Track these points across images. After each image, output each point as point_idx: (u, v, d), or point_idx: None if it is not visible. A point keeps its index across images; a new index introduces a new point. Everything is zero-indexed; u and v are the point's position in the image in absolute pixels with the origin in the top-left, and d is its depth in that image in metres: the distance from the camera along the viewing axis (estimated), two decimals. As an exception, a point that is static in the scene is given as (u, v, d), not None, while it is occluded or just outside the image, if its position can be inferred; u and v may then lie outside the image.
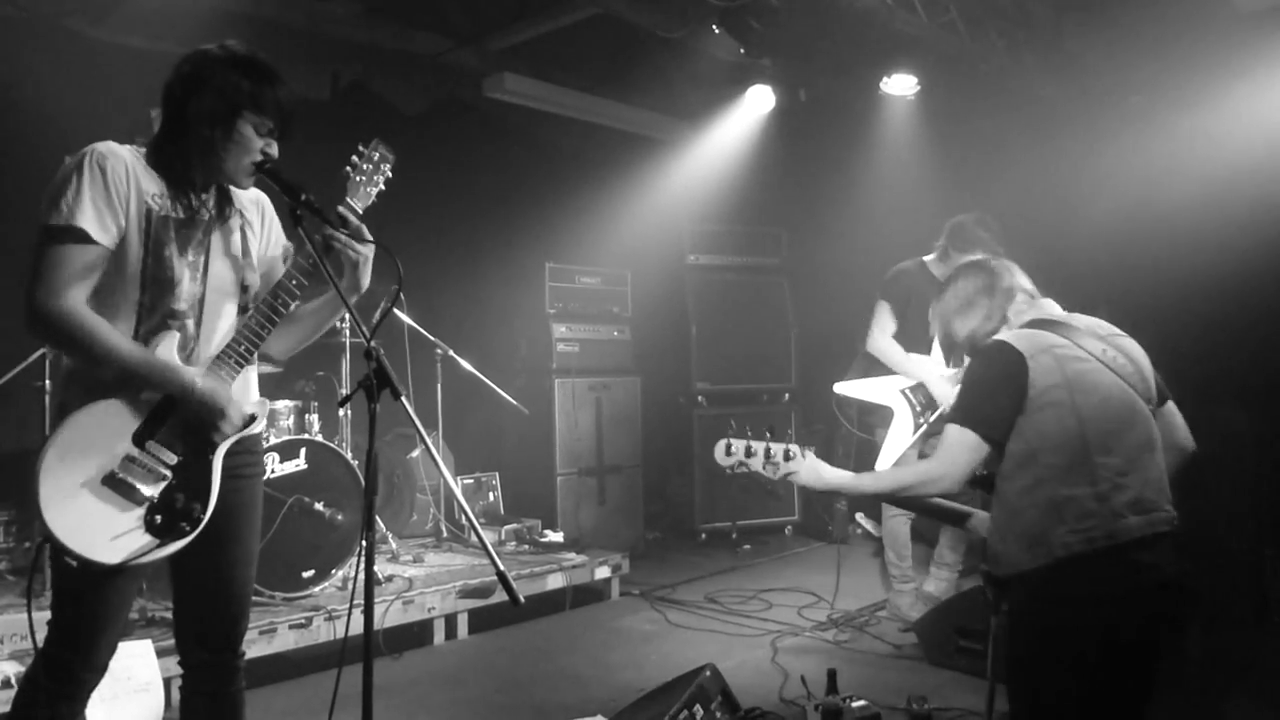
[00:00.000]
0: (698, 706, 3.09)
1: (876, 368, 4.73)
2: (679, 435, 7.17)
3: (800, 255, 7.57)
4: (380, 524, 5.24)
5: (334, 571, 4.38)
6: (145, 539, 2.14)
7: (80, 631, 2.22)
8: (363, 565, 1.96)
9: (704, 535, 6.95)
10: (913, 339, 4.63)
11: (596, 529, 6.34)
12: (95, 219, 2.11)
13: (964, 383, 2.47)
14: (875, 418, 4.78)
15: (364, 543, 1.96)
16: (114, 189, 2.13)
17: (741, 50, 5.65)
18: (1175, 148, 5.47)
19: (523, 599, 1.97)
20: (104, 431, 2.15)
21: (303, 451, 4.33)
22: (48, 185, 2.14)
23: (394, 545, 5.21)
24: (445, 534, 5.67)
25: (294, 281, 2.30)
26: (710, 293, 7.31)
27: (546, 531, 5.82)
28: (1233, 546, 4.74)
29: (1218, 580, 4.56)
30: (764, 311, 7.42)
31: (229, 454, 2.29)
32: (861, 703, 3.44)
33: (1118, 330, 2.52)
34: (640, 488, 6.78)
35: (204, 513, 2.22)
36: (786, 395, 7.36)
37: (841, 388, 4.76)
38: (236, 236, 2.37)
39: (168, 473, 2.19)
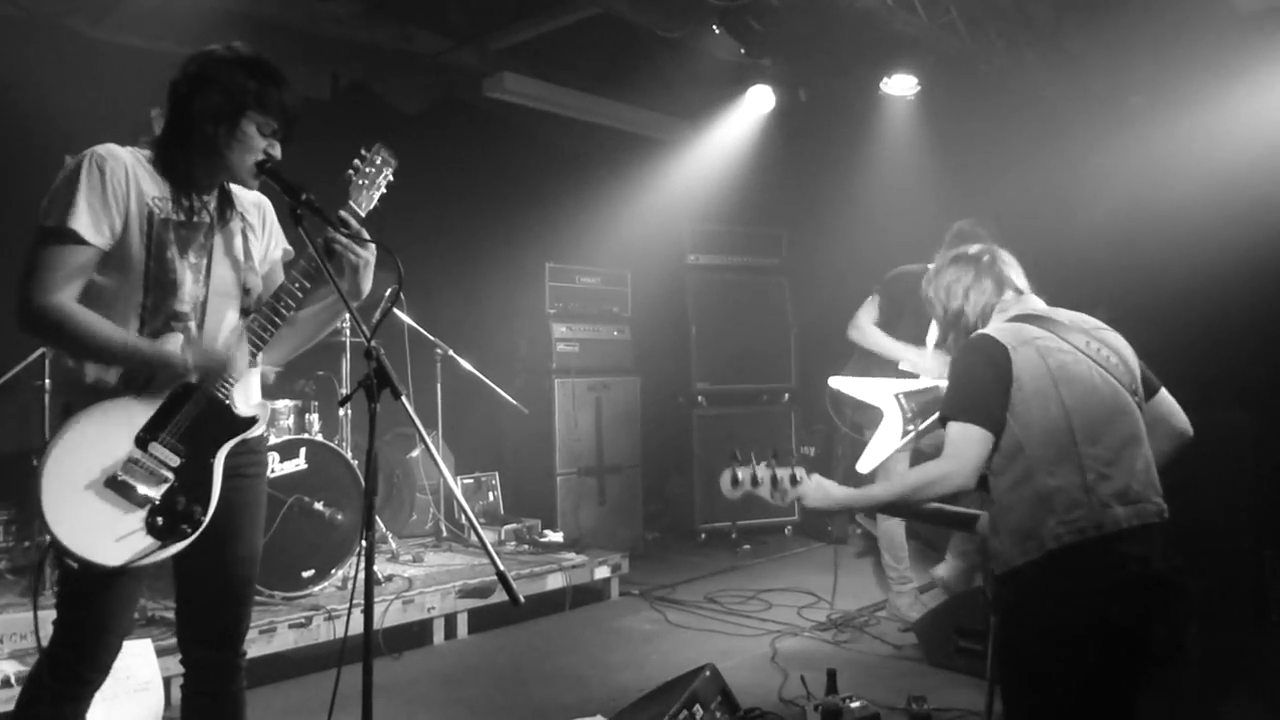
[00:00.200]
0: (697, 706, 3.09)
1: (874, 367, 4.73)
2: (679, 435, 7.18)
3: (800, 255, 7.57)
4: (380, 524, 5.24)
5: (334, 571, 4.38)
6: (147, 541, 2.15)
7: (84, 632, 2.23)
8: (362, 565, 1.97)
9: (703, 535, 6.95)
10: (909, 339, 4.64)
11: (596, 529, 6.34)
12: (90, 222, 2.12)
13: (951, 379, 2.48)
14: (865, 417, 4.78)
15: (364, 542, 1.97)
16: (111, 192, 2.15)
17: (742, 50, 5.65)
18: (1175, 148, 5.47)
19: (522, 599, 1.97)
20: (106, 434, 2.15)
21: (303, 451, 4.33)
22: (50, 186, 2.16)
23: (394, 545, 5.21)
24: (445, 534, 5.67)
25: (296, 284, 2.31)
26: (710, 293, 7.31)
27: (546, 531, 5.82)
28: (1233, 546, 4.74)
29: (1218, 580, 4.55)
30: (764, 311, 7.43)
31: (231, 454, 2.30)
32: (861, 703, 3.45)
33: (1102, 324, 2.53)
34: (640, 488, 6.79)
35: (205, 515, 2.23)
36: (786, 395, 7.36)
37: (836, 382, 4.78)
38: (238, 239, 2.38)
39: (170, 475, 2.19)
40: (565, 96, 6.69)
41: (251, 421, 2.32)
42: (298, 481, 4.27)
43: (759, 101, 6.80)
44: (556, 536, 5.80)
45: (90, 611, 2.22)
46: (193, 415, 2.22)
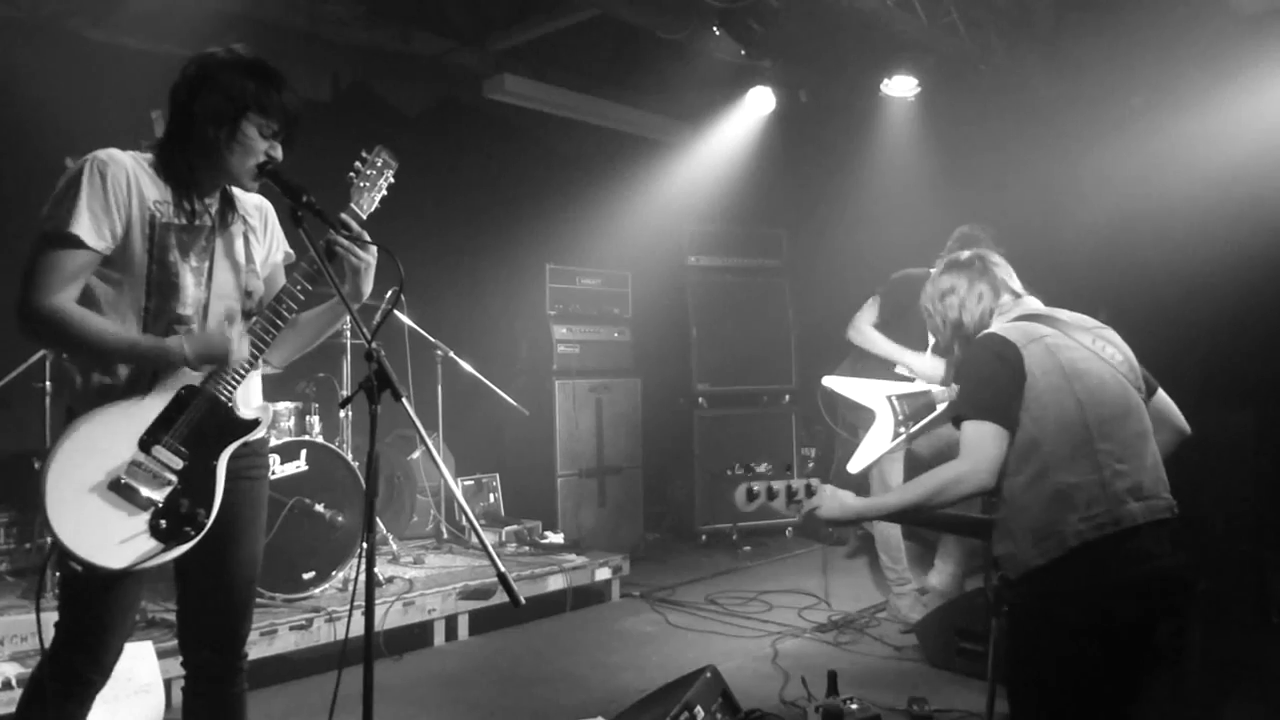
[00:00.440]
0: (698, 708, 3.09)
1: (868, 366, 4.74)
2: (679, 437, 7.17)
3: (801, 256, 7.57)
4: (381, 525, 5.24)
5: (334, 573, 4.38)
6: (150, 544, 2.15)
7: (86, 634, 2.23)
8: (363, 567, 1.97)
9: (704, 537, 6.95)
10: (909, 343, 4.64)
11: (597, 530, 6.35)
12: (91, 226, 2.13)
13: (963, 379, 2.47)
14: (858, 417, 4.79)
15: (364, 544, 1.97)
16: (113, 196, 2.15)
17: (742, 52, 5.66)
18: (1175, 149, 5.48)
19: (523, 600, 1.97)
20: (110, 437, 2.16)
21: (303, 453, 4.33)
22: (51, 189, 2.17)
23: (394, 546, 5.21)
24: (446, 535, 5.67)
25: (298, 287, 2.31)
26: (711, 294, 7.31)
27: (547, 533, 5.82)
28: (1233, 547, 4.74)
29: (1218, 580, 4.55)
30: (764, 313, 7.42)
31: (233, 457, 2.30)
32: (862, 704, 3.44)
33: (1101, 324, 2.53)
34: (640, 489, 6.79)
35: (208, 517, 2.23)
36: (787, 397, 7.36)
37: (830, 382, 4.78)
38: (240, 242, 2.38)
39: (173, 477, 2.19)
40: (565, 98, 6.70)
41: (254, 424, 2.32)
42: (299, 483, 4.27)
43: (759, 103, 6.80)
44: (557, 538, 5.80)
45: (92, 614, 2.23)
46: (195, 418, 2.22)
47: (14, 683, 3.26)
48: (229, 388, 2.26)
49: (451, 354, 5.49)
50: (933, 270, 4.87)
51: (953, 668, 4.16)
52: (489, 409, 5.90)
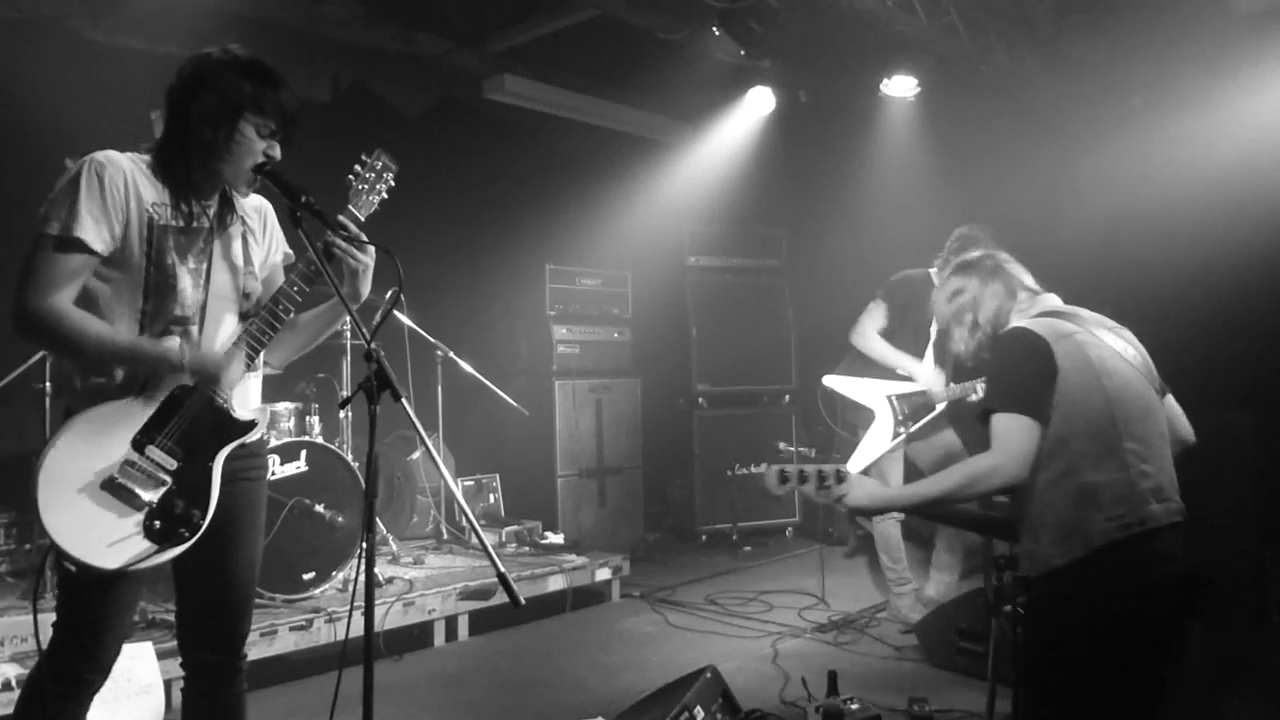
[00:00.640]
0: (698, 708, 3.08)
1: (868, 366, 4.74)
2: (679, 437, 7.17)
3: (801, 257, 7.57)
4: (381, 526, 5.24)
5: (334, 573, 4.38)
6: (144, 544, 2.15)
7: (84, 634, 2.23)
8: (363, 567, 1.97)
9: (704, 537, 6.94)
10: (907, 347, 4.64)
11: (597, 530, 6.34)
12: (92, 228, 2.12)
13: (993, 372, 2.44)
14: (857, 417, 4.79)
15: (364, 545, 1.97)
16: (110, 198, 2.15)
17: (742, 52, 5.66)
18: (1174, 148, 5.48)
19: (523, 601, 1.97)
20: (104, 436, 2.15)
21: (303, 453, 4.34)
22: (49, 190, 2.16)
23: (394, 547, 5.21)
24: (446, 536, 5.67)
25: (295, 288, 2.31)
26: (711, 294, 7.32)
27: (547, 533, 5.82)
28: (1233, 547, 4.74)
29: (1218, 580, 4.55)
30: (764, 313, 7.43)
31: (232, 457, 2.30)
32: (862, 704, 3.44)
33: (1118, 324, 2.52)
34: (641, 489, 6.78)
35: (203, 519, 2.22)
36: (787, 397, 7.36)
37: (830, 381, 4.79)
38: (238, 244, 2.38)
39: (167, 478, 2.19)
40: (565, 98, 6.70)
41: (250, 426, 2.32)
42: (298, 484, 4.27)
43: (759, 103, 6.80)
44: (557, 538, 5.80)
45: (90, 614, 2.22)
46: (190, 419, 2.22)
47: (14, 683, 3.27)
48: (222, 395, 2.26)
49: (451, 354, 5.49)
50: (931, 271, 4.87)
51: (953, 668, 4.16)
52: (489, 409, 5.90)
